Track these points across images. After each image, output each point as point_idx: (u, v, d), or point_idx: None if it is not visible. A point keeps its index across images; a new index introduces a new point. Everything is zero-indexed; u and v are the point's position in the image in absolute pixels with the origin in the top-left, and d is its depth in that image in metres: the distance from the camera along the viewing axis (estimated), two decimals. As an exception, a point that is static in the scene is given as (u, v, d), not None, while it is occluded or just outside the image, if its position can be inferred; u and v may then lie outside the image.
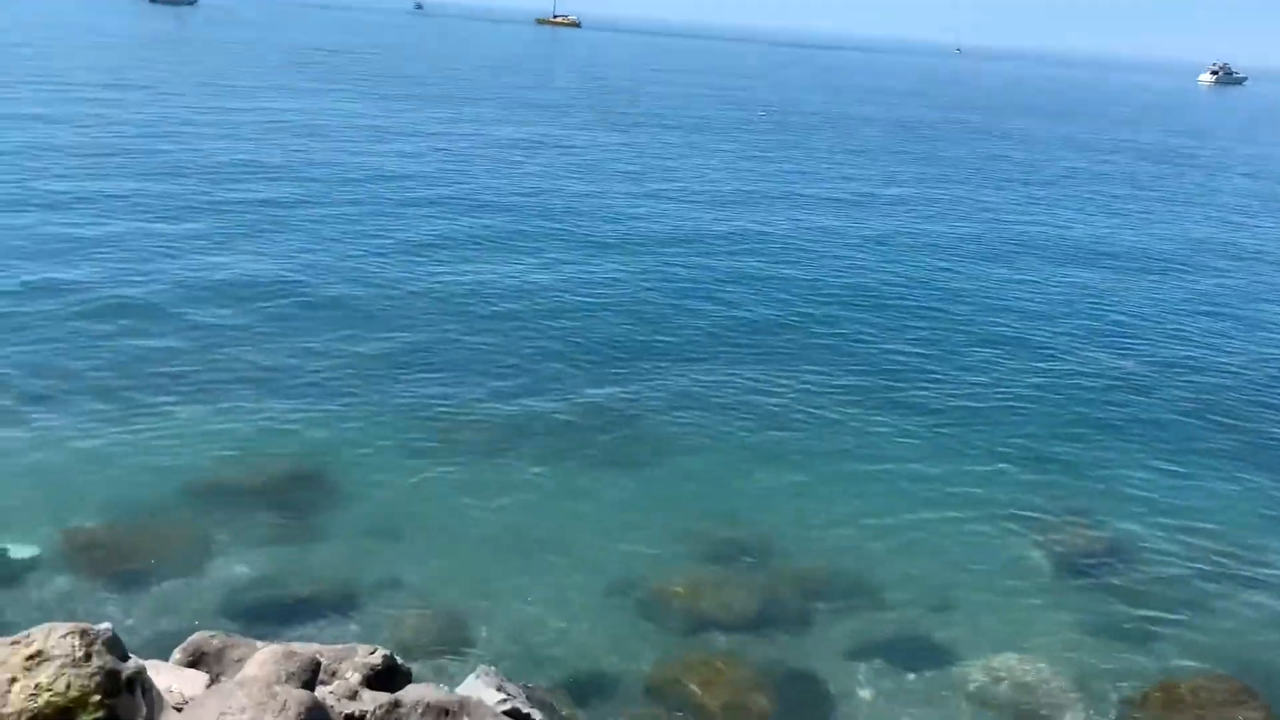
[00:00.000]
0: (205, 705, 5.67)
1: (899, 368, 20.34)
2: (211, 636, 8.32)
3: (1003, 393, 19.51)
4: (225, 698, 5.53)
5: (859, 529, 14.15)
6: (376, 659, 7.94)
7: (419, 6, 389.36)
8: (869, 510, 14.61)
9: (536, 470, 14.99)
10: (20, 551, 12.06)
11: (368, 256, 25.29)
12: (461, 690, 8.66)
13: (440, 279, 23.93)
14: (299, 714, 5.61)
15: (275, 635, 10.73)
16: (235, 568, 12.13)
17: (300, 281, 22.71)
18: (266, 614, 11.36)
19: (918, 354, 21.24)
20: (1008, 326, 23.82)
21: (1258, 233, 39.20)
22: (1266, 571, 13.86)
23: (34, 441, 14.51)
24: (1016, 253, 32.01)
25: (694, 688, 10.54)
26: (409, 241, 27.06)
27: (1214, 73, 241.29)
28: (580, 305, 22.83)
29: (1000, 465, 16.38)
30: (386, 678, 7.94)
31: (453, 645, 11.04)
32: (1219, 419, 19.05)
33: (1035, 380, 20.33)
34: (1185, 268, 31.82)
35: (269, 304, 21.11)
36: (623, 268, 26.22)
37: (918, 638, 12.00)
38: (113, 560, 11.93)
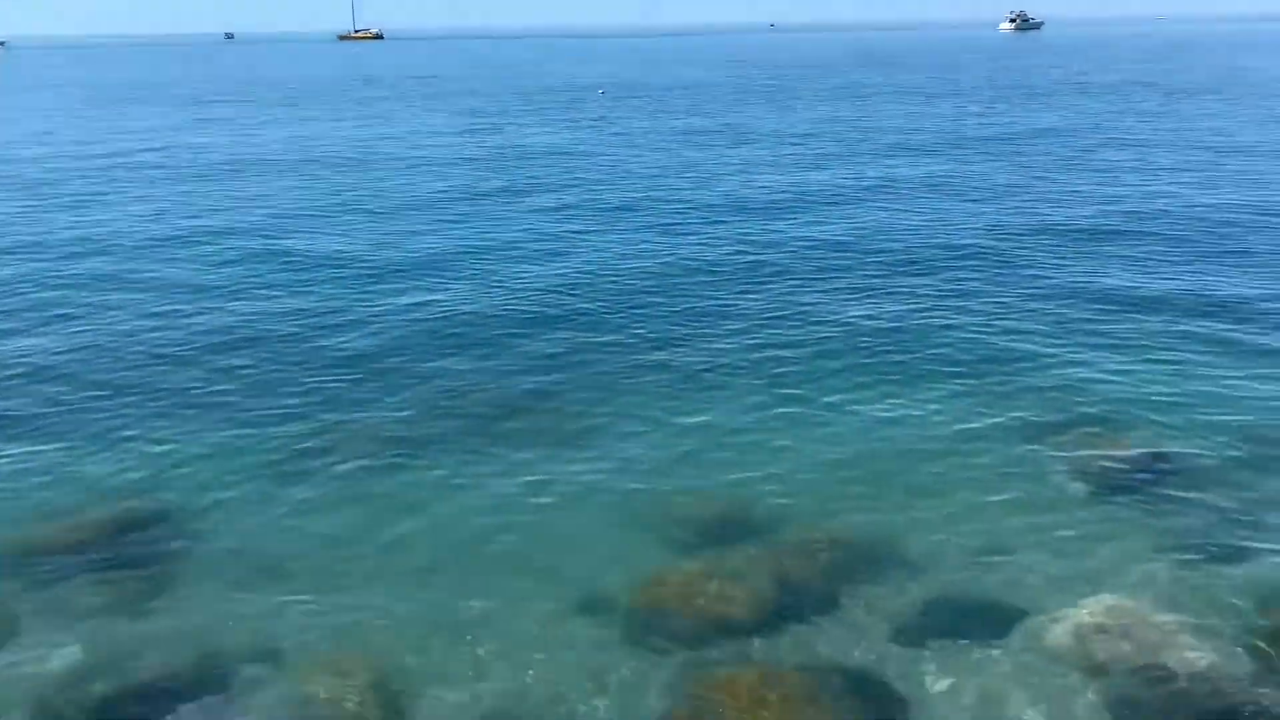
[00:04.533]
0: None
1: (851, 320, 17.82)
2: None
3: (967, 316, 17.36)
4: None
5: (861, 486, 11.45)
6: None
7: (229, 36, 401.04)
8: (864, 465, 11.97)
9: (455, 471, 11.80)
10: None
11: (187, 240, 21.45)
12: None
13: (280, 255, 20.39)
14: None
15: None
16: (56, 654, 8.64)
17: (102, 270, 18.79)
18: (108, 715, 7.97)
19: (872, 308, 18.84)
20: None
21: None
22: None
23: None
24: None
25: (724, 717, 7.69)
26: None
27: (1012, 20, 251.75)
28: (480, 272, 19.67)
29: (993, 384, 14.21)
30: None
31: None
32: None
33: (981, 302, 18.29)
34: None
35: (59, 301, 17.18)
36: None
37: (974, 599, 9.42)
38: None
